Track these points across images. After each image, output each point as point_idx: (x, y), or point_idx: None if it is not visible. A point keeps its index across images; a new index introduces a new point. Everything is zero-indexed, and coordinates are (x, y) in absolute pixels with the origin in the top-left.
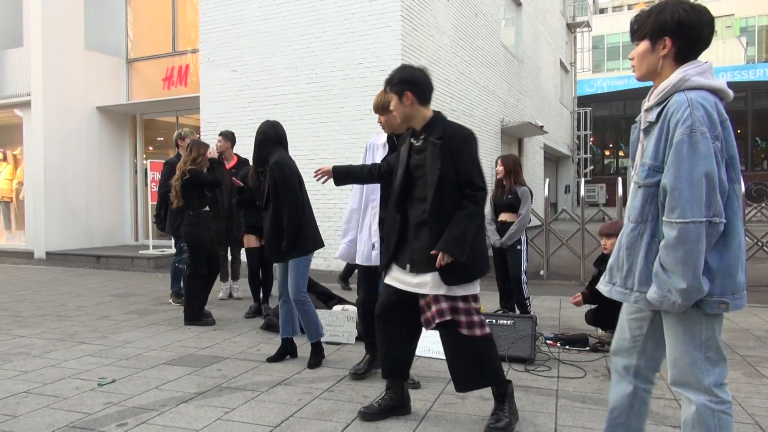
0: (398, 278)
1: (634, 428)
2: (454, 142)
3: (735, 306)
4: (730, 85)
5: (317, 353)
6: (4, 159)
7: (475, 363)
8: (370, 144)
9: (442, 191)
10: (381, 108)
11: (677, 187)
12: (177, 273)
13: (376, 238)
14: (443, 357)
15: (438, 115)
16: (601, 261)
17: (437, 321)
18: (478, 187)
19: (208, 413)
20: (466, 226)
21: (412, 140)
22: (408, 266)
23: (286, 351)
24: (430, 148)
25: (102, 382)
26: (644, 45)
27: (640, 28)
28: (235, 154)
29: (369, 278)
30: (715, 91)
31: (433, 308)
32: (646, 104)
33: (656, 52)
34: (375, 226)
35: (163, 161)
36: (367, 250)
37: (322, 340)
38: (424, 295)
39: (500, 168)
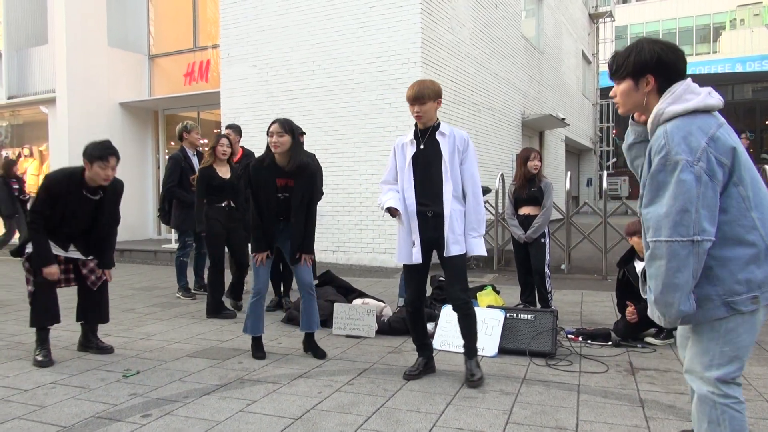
0: None
1: None
2: None
3: (765, 299)
4: (756, 75)
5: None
6: (30, 155)
7: None
8: (398, 144)
9: None
10: (416, 98)
11: (650, 210)
12: (182, 267)
13: (416, 236)
14: (463, 351)
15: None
16: (625, 261)
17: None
18: None
19: (230, 405)
20: None
21: None
22: None
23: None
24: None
25: (127, 374)
26: (627, 83)
27: (620, 68)
28: (241, 147)
29: (414, 277)
30: (694, 111)
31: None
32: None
33: (640, 89)
34: (414, 224)
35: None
36: (408, 249)
37: (342, 333)
38: None
39: (538, 162)
